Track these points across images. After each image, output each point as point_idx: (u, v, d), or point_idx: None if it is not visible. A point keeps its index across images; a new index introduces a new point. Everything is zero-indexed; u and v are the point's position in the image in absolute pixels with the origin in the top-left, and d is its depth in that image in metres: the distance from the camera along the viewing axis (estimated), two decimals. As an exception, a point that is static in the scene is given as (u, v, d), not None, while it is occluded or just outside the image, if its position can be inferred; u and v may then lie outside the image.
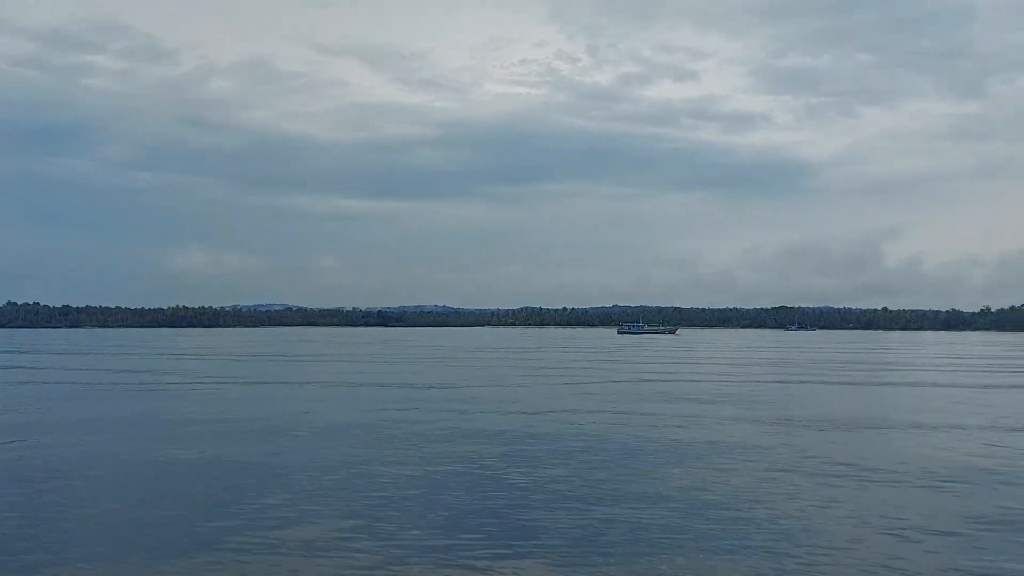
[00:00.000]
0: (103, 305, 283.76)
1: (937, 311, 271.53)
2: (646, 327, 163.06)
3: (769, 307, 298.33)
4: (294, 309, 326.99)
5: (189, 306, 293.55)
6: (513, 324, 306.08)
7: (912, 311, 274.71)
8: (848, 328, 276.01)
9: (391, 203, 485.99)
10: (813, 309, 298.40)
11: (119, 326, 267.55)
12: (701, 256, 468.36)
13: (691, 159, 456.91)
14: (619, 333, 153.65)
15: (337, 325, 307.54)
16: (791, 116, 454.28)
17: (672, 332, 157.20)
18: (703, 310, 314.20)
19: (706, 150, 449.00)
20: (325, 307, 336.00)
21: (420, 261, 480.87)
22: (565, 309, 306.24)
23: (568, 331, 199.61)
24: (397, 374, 45.51)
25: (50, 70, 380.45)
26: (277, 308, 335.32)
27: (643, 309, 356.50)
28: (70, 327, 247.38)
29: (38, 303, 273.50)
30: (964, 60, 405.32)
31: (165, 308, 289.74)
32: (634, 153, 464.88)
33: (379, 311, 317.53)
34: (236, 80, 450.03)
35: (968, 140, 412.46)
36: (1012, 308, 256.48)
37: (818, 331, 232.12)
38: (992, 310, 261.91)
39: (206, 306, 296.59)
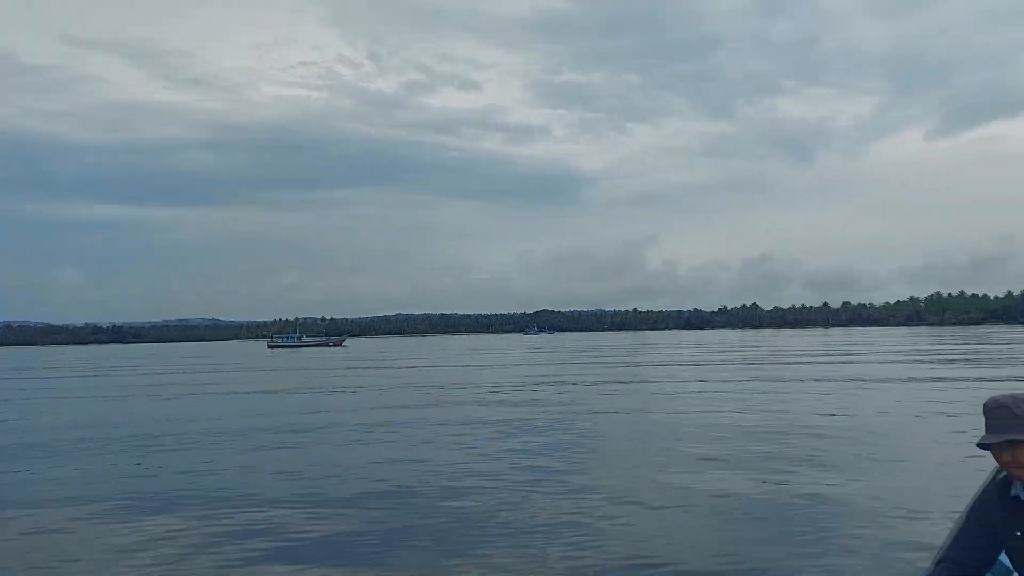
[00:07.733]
0: None
1: (681, 311, 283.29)
2: (305, 338, 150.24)
3: (532, 312, 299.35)
4: (14, 326, 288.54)
5: None
6: (266, 336, 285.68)
7: (659, 312, 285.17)
8: (603, 330, 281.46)
9: (154, 210, 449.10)
10: (574, 312, 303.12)
11: None
12: (478, 263, 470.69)
13: (474, 168, 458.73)
14: (269, 347, 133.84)
15: (63, 343, 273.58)
16: (568, 130, 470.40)
17: (339, 344, 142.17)
18: (468, 316, 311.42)
19: (489, 160, 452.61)
20: (64, 324, 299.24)
21: (187, 272, 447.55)
22: (323, 319, 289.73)
23: (221, 345, 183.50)
24: None
25: None
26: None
27: (426, 317, 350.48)
28: None
29: None
30: (714, 84, 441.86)
31: None
32: (418, 161, 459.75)
33: (114, 327, 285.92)
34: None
35: (718, 156, 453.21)
36: (743, 307, 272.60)
37: (558, 334, 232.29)
38: (728, 309, 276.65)
39: None
